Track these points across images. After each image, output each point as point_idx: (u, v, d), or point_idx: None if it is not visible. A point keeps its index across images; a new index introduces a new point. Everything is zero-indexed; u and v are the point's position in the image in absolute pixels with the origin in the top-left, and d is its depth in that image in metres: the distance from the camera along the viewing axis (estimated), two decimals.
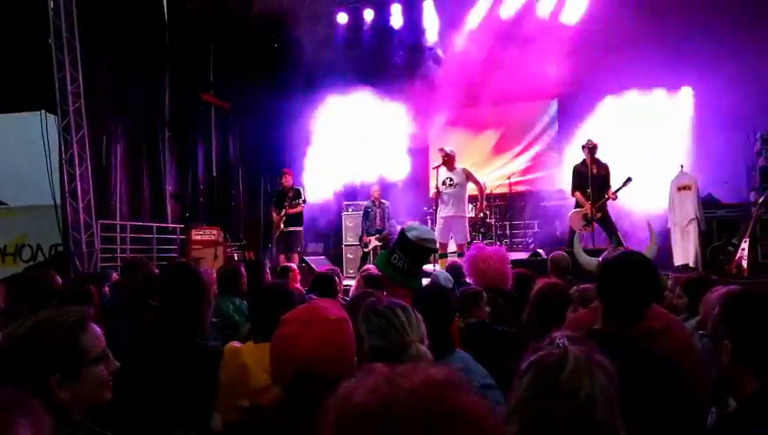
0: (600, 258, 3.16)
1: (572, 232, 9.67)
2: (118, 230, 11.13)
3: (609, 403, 1.34)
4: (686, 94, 12.06)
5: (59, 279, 4.93)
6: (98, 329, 1.96)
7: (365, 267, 7.20)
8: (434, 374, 1.09)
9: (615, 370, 1.38)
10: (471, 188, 10.03)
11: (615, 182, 9.58)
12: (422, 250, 3.80)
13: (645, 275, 2.51)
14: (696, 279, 4.76)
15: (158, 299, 3.58)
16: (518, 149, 14.13)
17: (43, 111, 9.87)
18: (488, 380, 2.79)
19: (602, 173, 9.62)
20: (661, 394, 2.13)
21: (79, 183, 9.97)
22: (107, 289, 5.71)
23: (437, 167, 9.87)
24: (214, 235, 11.88)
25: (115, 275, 6.81)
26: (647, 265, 2.57)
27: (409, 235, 3.83)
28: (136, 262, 6.59)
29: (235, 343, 3.29)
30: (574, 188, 9.80)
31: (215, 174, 14.50)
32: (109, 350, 1.98)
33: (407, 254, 3.79)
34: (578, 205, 9.73)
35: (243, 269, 5.47)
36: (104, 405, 1.95)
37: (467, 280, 6.06)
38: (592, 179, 9.48)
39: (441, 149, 9.93)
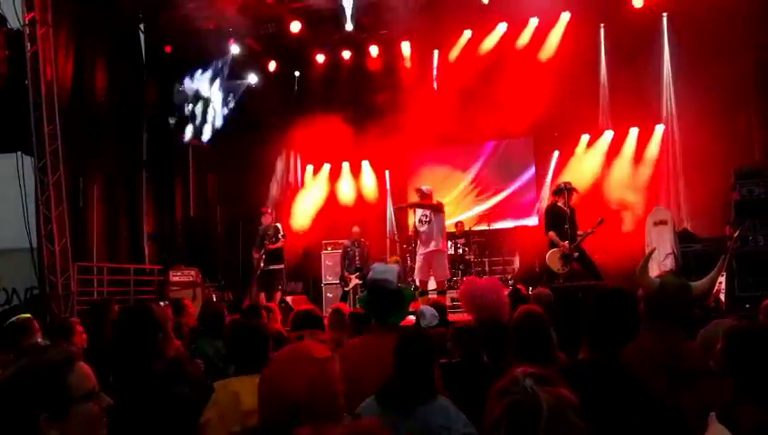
0: (658, 278, 3.15)
1: (550, 270, 9.72)
2: (95, 272, 10.99)
3: None
4: (661, 132, 12.24)
5: (36, 324, 4.85)
6: (87, 367, 1.94)
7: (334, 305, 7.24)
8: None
9: (579, 403, 1.38)
10: (448, 225, 10.07)
11: (589, 218, 9.71)
12: (379, 290, 3.98)
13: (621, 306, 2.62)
14: None
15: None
16: (495, 185, 14.23)
17: (18, 152, 9.76)
18: (470, 429, 2.81)
19: (572, 214, 9.72)
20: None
21: (55, 225, 9.84)
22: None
23: (414, 206, 9.90)
24: (192, 275, 11.79)
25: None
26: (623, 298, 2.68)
27: (368, 278, 4.17)
28: (102, 303, 6.50)
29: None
30: (549, 228, 9.79)
31: (193, 214, 14.42)
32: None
33: (371, 296, 4.04)
34: (552, 245, 9.73)
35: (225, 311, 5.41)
36: None
37: (448, 318, 6.06)
38: (569, 220, 9.56)
39: (418, 189, 9.98)
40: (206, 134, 14.02)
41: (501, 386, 1.42)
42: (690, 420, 2.58)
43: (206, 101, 13.95)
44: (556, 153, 13.29)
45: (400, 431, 2.71)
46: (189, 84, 13.65)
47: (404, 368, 3.03)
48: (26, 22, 9.64)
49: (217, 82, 13.95)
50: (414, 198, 10.06)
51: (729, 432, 1.90)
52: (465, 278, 7.84)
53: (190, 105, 13.68)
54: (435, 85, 13.68)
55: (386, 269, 4.16)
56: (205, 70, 13.77)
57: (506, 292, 5.98)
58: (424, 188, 9.91)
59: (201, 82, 13.83)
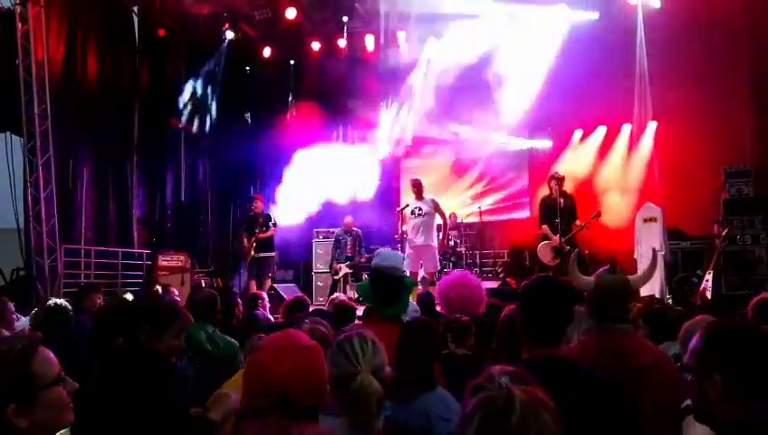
0: (594, 278, 3.11)
1: (541, 263, 9.73)
2: (82, 255, 10.92)
3: None
4: (653, 128, 12.25)
5: (11, 305, 4.81)
6: (50, 353, 1.93)
7: (334, 296, 7.21)
8: None
9: (555, 405, 1.38)
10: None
11: (581, 213, 9.72)
12: (383, 276, 3.85)
13: (561, 298, 2.52)
14: (655, 310, 4.85)
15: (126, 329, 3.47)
16: (488, 178, 14.22)
17: (8, 132, 9.69)
18: None
19: (570, 205, 9.70)
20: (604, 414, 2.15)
21: (43, 206, 9.78)
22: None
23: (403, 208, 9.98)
24: (181, 261, 11.72)
25: None
26: (562, 289, 2.58)
27: (372, 263, 4.01)
28: (88, 288, 6.46)
29: None
30: (542, 221, 9.82)
31: (183, 200, 14.34)
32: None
33: (373, 282, 3.90)
34: (545, 237, 9.75)
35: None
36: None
37: (438, 309, 6.03)
38: (561, 211, 9.55)
39: (412, 180, 10.05)
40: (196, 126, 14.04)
41: (476, 382, 1.42)
42: (646, 415, 2.58)
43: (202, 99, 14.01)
44: (549, 146, 13.29)
45: (400, 420, 2.69)
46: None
47: (408, 357, 3.01)
48: (18, 1, 9.56)
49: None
50: (410, 192, 10.05)
51: (711, 432, 1.90)
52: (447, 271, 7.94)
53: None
54: (430, 75, 13.57)
55: (393, 255, 4.06)
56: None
57: (496, 285, 5.98)
58: (417, 179, 9.97)
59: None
